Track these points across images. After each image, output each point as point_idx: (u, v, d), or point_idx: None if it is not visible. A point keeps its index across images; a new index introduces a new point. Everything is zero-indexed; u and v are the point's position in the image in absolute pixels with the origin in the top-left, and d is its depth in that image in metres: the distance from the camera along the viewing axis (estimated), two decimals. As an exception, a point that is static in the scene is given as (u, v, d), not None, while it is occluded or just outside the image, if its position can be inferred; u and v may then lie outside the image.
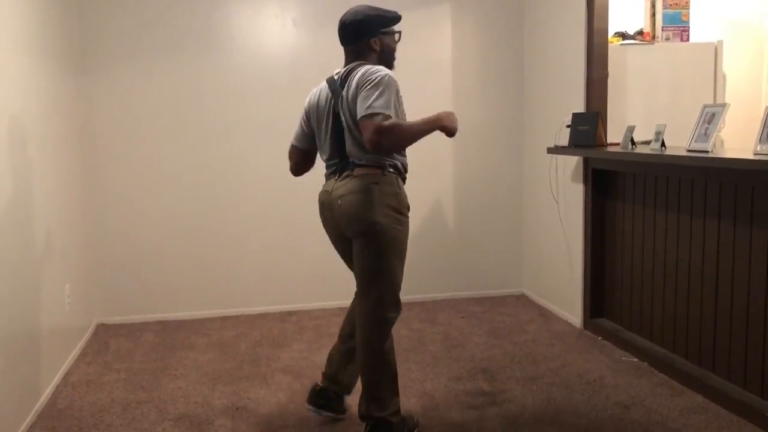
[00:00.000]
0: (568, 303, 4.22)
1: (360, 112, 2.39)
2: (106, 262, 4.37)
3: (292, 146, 2.82)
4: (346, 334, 2.83)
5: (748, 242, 2.80)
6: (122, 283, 4.41)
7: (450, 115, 2.57)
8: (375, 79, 2.42)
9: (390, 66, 2.66)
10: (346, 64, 2.66)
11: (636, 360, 3.47)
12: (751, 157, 2.57)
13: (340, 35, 2.66)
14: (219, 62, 4.40)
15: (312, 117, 2.72)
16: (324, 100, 2.64)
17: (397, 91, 2.48)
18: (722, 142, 4.16)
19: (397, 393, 2.64)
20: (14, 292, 2.82)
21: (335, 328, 4.11)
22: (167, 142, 4.39)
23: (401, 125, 2.43)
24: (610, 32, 3.95)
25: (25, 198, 3.02)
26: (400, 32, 2.71)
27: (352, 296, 4.45)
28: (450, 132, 2.55)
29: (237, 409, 3.01)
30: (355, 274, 2.67)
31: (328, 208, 2.63)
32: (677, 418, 2.81)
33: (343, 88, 2.54)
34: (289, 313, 4.51)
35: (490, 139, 4.80)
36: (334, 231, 2.67)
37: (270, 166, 4.44)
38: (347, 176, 2.56)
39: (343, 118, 2.55)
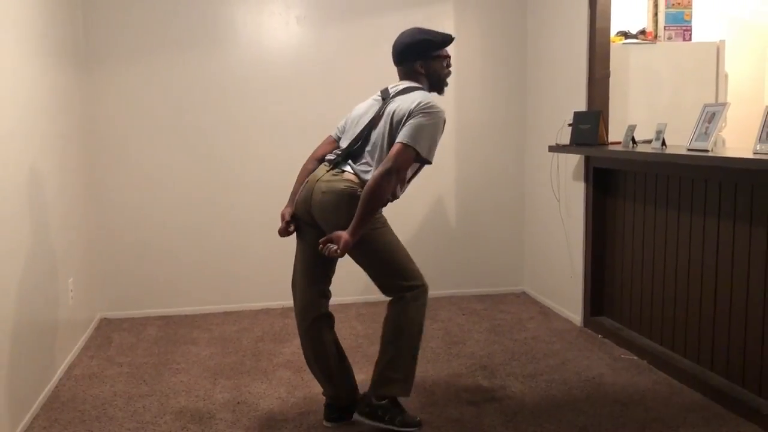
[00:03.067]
0: (569, 301, 4.24)
1: (403, 137, 2.49)
2: (110, 257, 4.40)
3: (331, 136, 2.88)
4: (326, 350, 2.80)
5: (747, 241, 2.81)
6: (125, 278, 4.44)
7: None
8: (431, 117, 2.52)
9: (439, 89, 2.77)
10: (400, 80, 2.77)
11: (635, 358, 3.49)
12: (750, 156, 2.58)
13: (394, 58, 2.77)
14: (223, 60, 4.42)
15: (351, 117, 2.79)
16: (371, 106, 2.74)
17: (442, 129, 2.60)
18: (723, 141, 4.18)
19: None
20: (20, 285, 2.85)
21: (337, 323, 4.13)
22: (171, 139, 4.41)
23: (398, 176, 2.51)
24: (613, 31, 3.96)
25: (30, 193, 3.05)
26: (449, 57, 2.77)
27: (353, 293, 4.47)
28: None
29: (238, 403, 3.03)
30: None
31: (308, 192, 2.65)
32: (676, 416, 2.82)
33: (393, 98, 2.65)
34: (291, 309, 4.47)
35: (492, 137, 4.81)
36: (304, 210, 2.68)
37: (273, 163, 4.47)
38: (337, 174, 2.62)
39: (379, 125, 2.63)
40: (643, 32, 4.20)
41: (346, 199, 2.54)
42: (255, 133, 4.50)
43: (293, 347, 3.77)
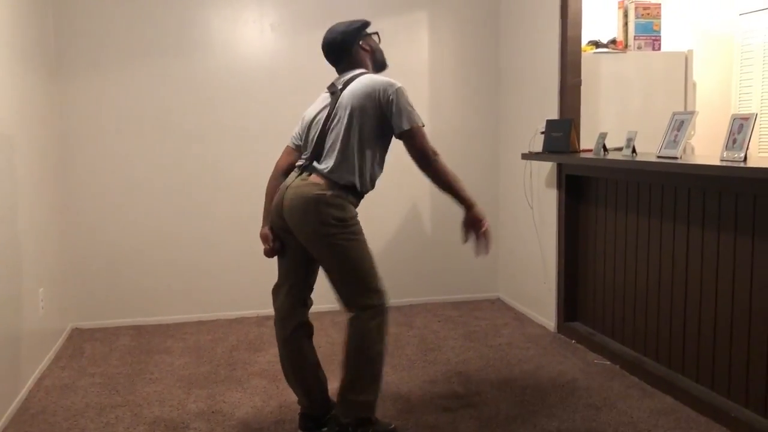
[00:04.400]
0: (543, 307, 4.28)
1: (399, 127, 2.63)
2: (81, 266, 4.35)
3: (289, 146, 2.88)
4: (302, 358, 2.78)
5: (716, 246, 2.86)
6: (97, 287, 4.38)
7: None
8: (399, 93, 2.63)
9: (385, 64, 2.86)
10: (341, 73, 2.77)
11: (608, 363, 3.53)
12: (717, 163, 2.64)
13: (330, 54, 2.77)
14: (196, 66, 4.40)
15: (305, 120, 2.79)
16: (322, 103, 2.75)
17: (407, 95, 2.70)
18: (693, 149, 4.26)
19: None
20: (-13, 295, 2.80)
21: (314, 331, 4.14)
22: (143, 146, 4.38)
23: (434, 154, 2.78)
24: (584, 41, 4.02)
25: (1, 202, 3.01)
26: (377, 33, 2.84)
27: (329, 301, 4.45)
28: None
29: (213, 412, 3.01)
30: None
31: (280, 200, 2.65)
32: (647, 419, 2.86)
33: (343, 89, 2.66)
34: (266, 318, 4.50)
35: (466, 145, 4.85)
36: (276, 220, 2.68)
37: (247, 170, 4.45)
38: (304, 179, 2.61)
39: (335, 119, 2.63)
40: (613, 41, 4.27)
41: (313, 204, 2.52)
42: (229, 140, 4.48)
43: (268, 356, 3.75)
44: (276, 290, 2.82)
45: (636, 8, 4.19)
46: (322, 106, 2.74)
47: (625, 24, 4.24)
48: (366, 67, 2.77)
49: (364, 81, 2.65)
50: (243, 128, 4.47)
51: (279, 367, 3.51)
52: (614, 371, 3.42)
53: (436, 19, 4.72)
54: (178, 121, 4.41)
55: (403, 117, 2.62)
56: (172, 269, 4.47)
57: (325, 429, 2.74)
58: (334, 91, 2.71)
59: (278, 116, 4.50)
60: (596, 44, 4.24)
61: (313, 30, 4.53)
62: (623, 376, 3.35)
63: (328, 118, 2.67)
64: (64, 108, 4.25)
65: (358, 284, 2.61)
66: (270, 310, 4.62)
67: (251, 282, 4.57)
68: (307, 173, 2.63)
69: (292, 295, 2.75)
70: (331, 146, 2.63)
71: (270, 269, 4.59)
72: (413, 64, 4.71)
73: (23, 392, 3.20)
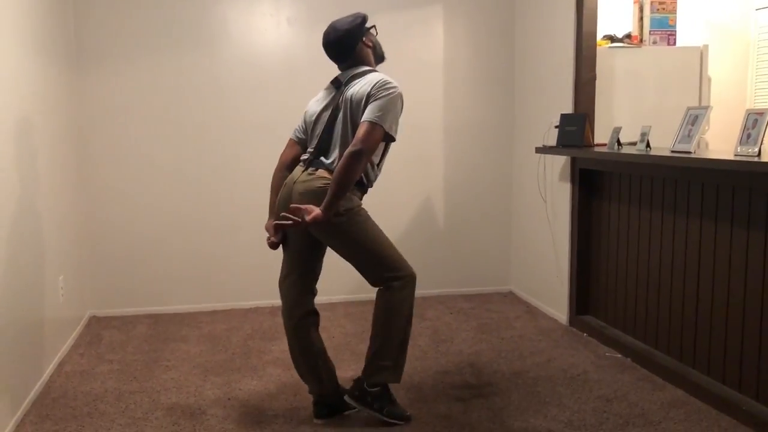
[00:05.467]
0: (555, 300, 4.30)
1: (368, 115, 2.56)
2: (99, 255, 4.42)
3: (292, 140, 2.92)
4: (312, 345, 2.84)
5: (728, 241, 2.88)
6: (115, 276, 4.45)
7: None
8: (390, 95, 2.59)
9: (383, 57, 2.89)
10: (344, 70, 2.81)
11: (619, 356, 3.55)
12: (731, 158, 2.65)
13: (334, 52, 2.78)
14: (214, 59, 4.45)
15: (308, 114, 2.84)
16: (325, 99, 2.79)
17: (401, 107, 2.68)
18: (707, 144, 4.26)
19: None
20: (11, 283, 2.87)
21: (325, 322, 4.16)
22: (160, 137, 4.44)
23: (369, 156, 2.59)
24: (599, 35, 4.03)
25: (20, 191, 3.07)
26: (374, 26, 2.88)
27: (341, 292, 4.51)
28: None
29: (228, 399, 3.07)
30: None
31: (287, 194, 2.71)
32: (658, 411, 2.89)
33: (348, 84, 2.70)
34: (280, 308, 4.55)
35: (480, 138, 4.87)
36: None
37: (262, 162, 4.47)
38: (311, 173, 2.68)
39: (340, 114, 2.69)
40: (628, 36, 4.27)
41: (322, 197, 2.56)
42: (246, 132, 4.53)
43: (283, 345, 3.79)
44: (282, 281, 2.87)
45: (651, 3, 4.19)
46: (327, 101, 2.78)
47: (641, 19, 4.24)
48: (369, 63, 2.81)
49: (369, 78, 2.68)
50: (259, 120, 4.52)
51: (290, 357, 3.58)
52: (625, 364, 3.45)
53: (451, 13, 4.73)
54: (194, 112, 4.46)
55: (376, 110, 2.56)
56: (188, 259, 4.53)
57: (346, 395, 2.80)
58: (339, 87, 2.75)
59: (294, 109, 4.51)
60: (611, 39, 4.24)
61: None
62: (634, 369, 3.37)
63: (333, 114, 2.71)
64: (83, 98, 4.31)
65: (381, 263, 2.70)
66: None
67: (266, 272, 4.59)
68: (314, 168, 2.69)
69: (299, 284, 2.81)
70: (335, 140, 2.69)
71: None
72: (428, 58, 4.73)
73: (44, 377, 3.27)
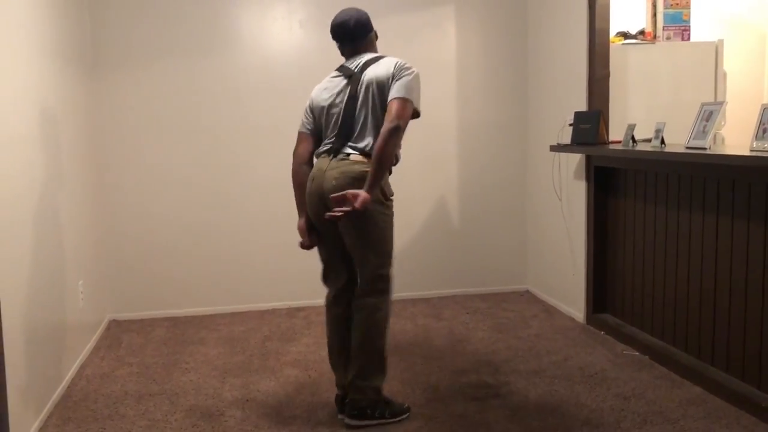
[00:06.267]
0: (572, 299, 4.29)
1: (397, 93, 2.61)
2: (118, 259, 4.47)
3: (302, 133, 2.91)
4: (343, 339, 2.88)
5: (745, 237, 2.86)
6: (133, 280, 4.50)
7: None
8: (412, 74, 2.68)
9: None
10: (350, 57, 2.84)
11: (637, 354, 3.54)
12: (747, 153, 2.63)
13: (344, 34, 2.83)
14: (227, 64, 4.49)
15: (317, 105, 2.84)
16: (336, 87, 2.79)
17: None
18: (723, 140, 4.23)
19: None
20: (32, 287, 2.91)
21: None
22: (177, 142, 4.48)
23: (404, 131, 2.64)
24: (612, 32, 4.01)
25: (41, 197, 3.11)
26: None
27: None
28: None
29: (247, 401, 3.09)
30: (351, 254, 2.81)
31: (319, 185, 2.72)
32: (676, 409, 2.87)
33: (365, 70, 2.72)
34: (298, 309, 4.59)
35: (494, 137, 4.86)
36: (319, 207, 2.74)
37: (277, 165, 4.51)
38: (342, 159, 2.69)
39: (360, 99, 2.71)
40: (642, 32, 4.25)
41: (362, 180, 2.60)
42: (260, 135, 4.56)
43: (300, 346, 3.83)
44: (325, 277, 2.93)
45: (665, -1, 4.16)
46: (339, 89, 2.78)
47: (654, 14, 4.22)
48: (376, 51, 2.87)
49: (387, 61, 2.73)
50: (272, 123, 4.55)
51: (311, 357, 3.62)
52: (643, 362, 3.43)
53: (464, 12, 4.74)
54: (210, 116, 4.50)
55: (403, 87, 2.64)
56: (206, 262, 4.57)
57: (342, 415, 2.82)
58: (351, 74, 2.77)
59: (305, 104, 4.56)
60: (625, 35, 4.23)
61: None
62: (652, 367, 3.36)
63: (352, 100, 2.73)
64: (100, 104, 4.36)
65: (383, 259, 2.75)
66: (301, 302, 4.73)
67: (283, 274, 4.66)
68: (344, 154, 2.70)
69: (342, 278, 2.87)
70: (362, 125, 2.71)
71: (301, 261, 4.68)
72: (441, 57, 4.74)
73: (66, 380, 3.32)
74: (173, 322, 4.41)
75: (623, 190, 3.79)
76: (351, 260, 2.84)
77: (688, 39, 4.21)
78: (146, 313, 4.51)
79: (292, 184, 2.88)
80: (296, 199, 2.88)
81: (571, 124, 3.96)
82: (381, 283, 2.76)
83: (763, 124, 2.68)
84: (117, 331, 4.25)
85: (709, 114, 3.03)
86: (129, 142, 4.43)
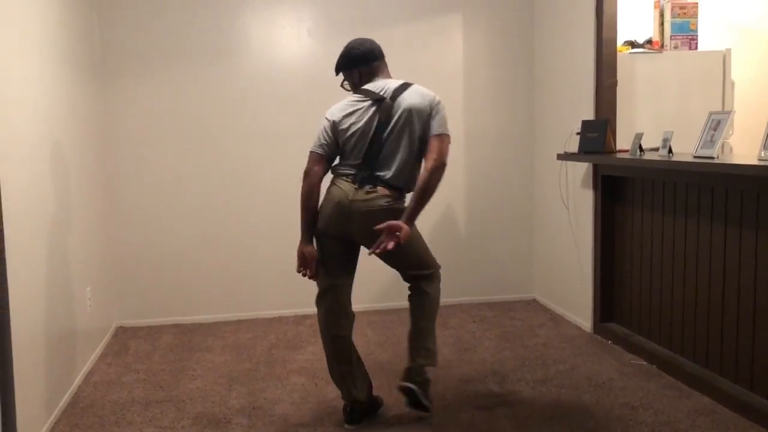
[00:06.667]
0: (579, 307, 4.28)
1: (439, 128, 2.75)
2: (126, 266, 4.49)
3: (314, 152, 2.84)
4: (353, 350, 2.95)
5: (754, 246, 2.85)
6: (141, 286, 4.51)
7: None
8: (442, 107, 2.81)
9: None
10: (368, 81, 2.85)
11: (645, 363, 3.52)
12: (755, 162, 2.63)
13: (362, 56, 2.87)
14: (235, 72, 4.51)
15: (340, 129, 2.81)
16: (363, 112, 2.79)
17: None
18: (731, 149, 4.22)
19: None
20: (40, 293, 2.93)
21: (349, 331, 4.20)
22: (185, 149, 4.50)
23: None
24: (620, 41, 4.01)
25: (49, 202, 3.13)
26: None
27: (365, 301, 4.54)
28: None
29: (253, 408, 3.09)
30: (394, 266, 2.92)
31: (345, 212, 2.74)
32: (684, 420, 2.86)
33: (398, 97, 2.75)
34: (304, 317, 4.59)
35: (501, 145, 4.87)
36: (342, 231, 2.77)
37: (285, 173, 4.54)
38: (370, 192, 2.73)
39: (394, 128, 2.74)
40: (649, 42, 4.25)
41: (388, 215, 2.69)
42: (268, 143, 4.58)
43: (307, 354, 3.83)
44: (325, 294, 2.88)
45: (672, 8, 4.16)
46: (367, 115, 2.77)
47: (662, 24, 4.22)
48: (388, 76, 2.91)
49: (418, 90, 2.78)
50: (281, 132, 4.57)
51: (318, 365, 3.61)
52: (651, 371, 3.42)
53: (471, 21, 4.75)
54: (217, 124, 4.52)
55: (443, 122, 2.77)
56: (213, 270, 4.58)
57: (409, 384, 2.82)
58: (379, 100, 2.76)
59: (315, 120, 4.55)
60: (632, 44, 4.23)
61: (349, 35, 4.54)
62: (660, 377, 3.34)
63: (383, 127, 2.74)
64: (108, 111, 4.39)
65: (424, 258, 2.94)
66: (307, 310, 4.73)
67: (289, 282, 4.63)
68: (371, 185, 2.73)
69: (345, 294, 2.89)
70: (391, 154, 2.74)
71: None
72: (447, 66, 4.75)
73: (73, 387, 3.33)
74: (180, 329, 4.41)
75: (631, 199, 3.78)
76: (352, 280, 2.90)
77: (696, 48, 4.21)
78: (153, 319, 4.52)
79: (301, 204, 2.82)
80: (303, 222, 2.82)
81: (578, 133, 3.96)
82: (432, 273, 2.95)
83: (771, 134, 2.68)
84: (124, 337, 4.26)
85: (717, 123, 3.03)
86: (137, 149, 4.45)
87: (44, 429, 2.85)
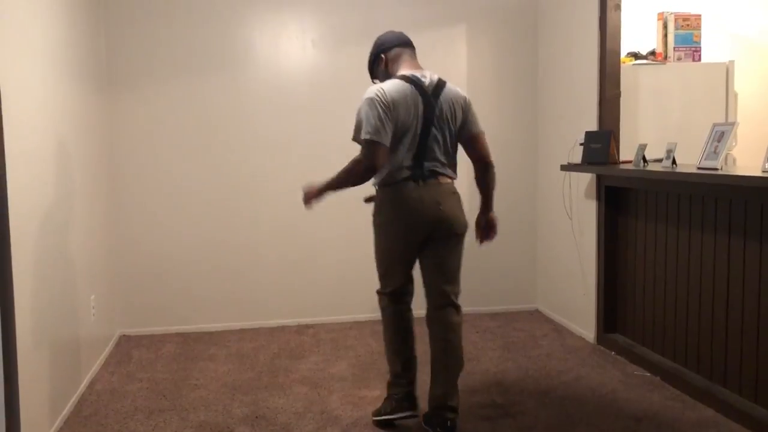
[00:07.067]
0: (582, 318, 4.27)
1: (479, 126, 2.93)
2: (129, 274, 4.49)
3: (380, 144, 2.65)
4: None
5: (758, 258, 2.85)
6: (144, 295, 4.52)
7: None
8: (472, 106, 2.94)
9: None
10: (411, 63, 2.88)
11: (648, 374, 3.51)
12: (759, 174, 2.63)
13: (408, 40, 2.96)
14: (241, 81, 4.53)
15: (400, 115, 2.68)
16: (414, 101, 2.72)
17: None
18: (734, 160, 4.22)
19: None
20: (44, 302, 2.93)
21: (351, 341, 4.22)
22: (188, 159, 4.51)
23: None
24: (623, 52, 4.03)
25: (53, 211, 3.14)
26: None
27: (367, 311, 4.53)
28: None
29: (256, 417, 3.09)
30: (434, 274, 2.88)
31: (422, 211, 2.76)
32: (688, 431, 2.85)
33: (441, 91, 2.78)
34: (307, 326, 4.59)
35: (505, 156, 4.86)
36: (419, 231, 2.79)
37: (288, 182, 4.55)
38: (436, 183, 2.78)
39: (440, 121, 2.77)
40: (653, 53, 4.27)
41: (459, 201, 2.92)
42: (271, 152, 4.59)
43: (309, 363, 3.82)
44: (402, 290, 2.96)
45: (676, 19, 4.18)
46: (415, 104, 2.71)
47: (665, 35, 4.24)
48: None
49: (454, 87, 2.86)
50: (285, 141, 4.58)
51: (320, 374, 3.61)
52: (654, 383, 3.41)
53: (475, 32, 4.77)
54: (222, 134, 4.54)
55: (478, 121, 2.93)
56: (216, 279, 4.59)
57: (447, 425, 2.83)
58: (425, 92, 2.75)
59: (319, 130, 4.60)
60: (635, 56, 4.24)
61: (354, 45, 4.64)
62: (664, 388, 3.33)
63: (429, 120, 2.74)
64: (113, 121, 4.41)
65: (458, 273, 2.98)
66: (310, 319, 4.73)
67: (292, 291, 4.67)
68: (433, 178, 2.78)
69: (409, 291, 2.99)
70: (434, 145, 2.77)
71: (310, 280, 4.68)
72: (452, 77, 4.65)
73: (76, 395, 3.33)
74: (183, 337, 4.41)
75: (634, 210, 3.79)
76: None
77: (699, 60, 4.23)
78: (156, 328, 4.53)
79: (346, 177, 2.78)
80: (334, 187, 2.84)
81: (581, 144, 3.97)
82: (459, 293, 2.96)
83: (775, 145, 2.68)
84: (127, 346, 4.26)
85: (720, 134, 3.03)
86: (141, 158, 4.47)
87: (47, 437, 2.85)
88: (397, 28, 4.70)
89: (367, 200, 2.95)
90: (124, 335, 4.48)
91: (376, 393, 3.30)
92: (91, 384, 3.56)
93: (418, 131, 2.73)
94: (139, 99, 4.44)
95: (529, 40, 4.83)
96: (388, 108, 2.66)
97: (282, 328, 4.58)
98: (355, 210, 4.61)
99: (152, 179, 4.49)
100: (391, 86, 2.71)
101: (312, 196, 2.89)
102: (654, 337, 3.64)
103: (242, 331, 4.54)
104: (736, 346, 3.01)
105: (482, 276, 4.91)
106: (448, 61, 4.75)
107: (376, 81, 2.92)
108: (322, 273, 4.69)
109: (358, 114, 2.73)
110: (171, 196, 4.52)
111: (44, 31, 3.12)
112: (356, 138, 2.76)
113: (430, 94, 2.76)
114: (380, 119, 2.64)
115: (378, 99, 2.66)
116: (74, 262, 3.44)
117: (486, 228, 3.08)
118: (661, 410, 3.07)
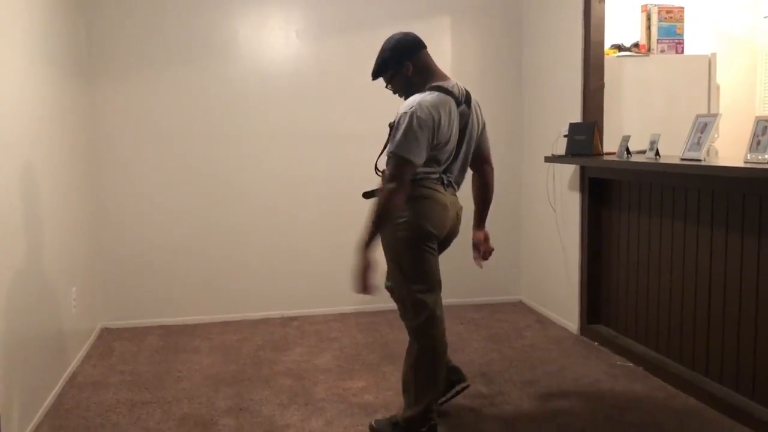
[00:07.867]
0: (565, 309, 4.29)
1: (489, 147, 2.94)
2: (111, 266, 4.44)
3: (415, 165, 2.52)
4: None
5: (739, 248, 2.87)
6: (126, 287, 4.47)
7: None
8: None
9: None
10: (442, 75, 2.73)
11: (631, 365, 3.54)
12: (741, 165, 2.65)
13: (423, 42, 2.89)
14: (224, 71, 4.49)
15: (443, 134, 2.58)
16: (453, 115, 2.62)
17: None
18: (716, 152, 4.25)
19: None
20: (24, 294, 2.89)
21: (336, 333, 4.21)
22: (172, 149, 4.47)
23: None
24: (607, 44, 4.04)
25: (34, 202, 3.10)
26: None
27: (352, 303, 4.53)
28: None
29: (240, 409, 3.07)
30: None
31: (450, 216, 2.77)
32: (671, 421, 2.88)
33: (469, 104, 2.74)
34: (291, 318, 4.57)
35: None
36: (440, 234, 2.78)
37: (272, 174, 4.53)
38: (454, 195, 2.81)
39: (471, 135, 2.77)
40: (636, 45, 4.28)
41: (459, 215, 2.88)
42: (255, 144, 4.55)
43: (293, 355, 3.81)
44: (438, 297, 2.90)
45: (659, 12, 4.20)
46: (456, 116, 2.63)
47: (648, 27, 4.25)
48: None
49: (475, 99, 2.80)
50: (268, 133, 4.55)
51: (304, 366, 3.60)
52: (638, 373, 3.43)
53: (459, 24, 4.76)
54: (205, 125, 4.50)
55: (487, 136, 2.93)
56: (199, 271, 4.55)
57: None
58: (463, 109, 2.67)
59: (303, 121, 4.57)
60: (619, 48, 4.26)
61: (338, 37, 4.62)
62: (647, 378, 3.36)
63: (463, 132, 2.71)
64: (96, 111, 4.35)
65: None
66: (294, 312, 4.72)
67: (276, 283, 4.64)
68: (453, 190, 2.79)
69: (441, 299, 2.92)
70: (461, 158, 2.75)
71: (294, 272, 4.67)
72: (436, 69, 4.74)
73: (57, 388, 3.29)
74: (166, 330, 4.38)
75: (617, 201, 3.80)
76: None
77: (682, 52, 4.25)
78: (139, 321, 4.48)
79: (384, 213, 2.52)
80: (377, 232, 2.56)
81: (565, 136, 3.98)
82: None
83: (757, 137, 2.70)
84: (109, 338, 4.22)
85: (703, 126, 3.05)
86: (123, 150, 4.41)
87: (28, 430, 2.80)
88: (380, 20, 4.72)
89: (367, 196, 2.73)
90: (105, 328, 4.43)
91: (361, 384, 3.30)
92: (73, 377, 3.52)
93: (453, 147, 2.68)
94: (120, 90, 4.38)
95: (513, 31, 4.82)
96: (433, 129, 2.53)
97: (266, 320, 4.55)
98: (339, 201, 4.61)
99: (134, 171, 4.44)
100: (436, 102, 2.56)
101: (365, 269, 2.57)
102: (637, 328, 3.67)
103: (226, 323, 4.52)
104: (718, 336, 3.03)
105: (466, 268, 4.89)
106: (431, 53, 4.70)
107: (390, 87, 2.78)
108: (306, 265, 4.66)
109: (399, 125, 2.51)
110: (153, 188, 4.47)
111: (22, 20, 3.06)
112: (393, 151, 2.52)
113: (465, 108, 2.68)
114: (424, 139, 2.51)
115: (425, 119, 2.50)
116: (55, 255, 3.39)
117: (486, 243, 3.12)
118: (645, 400, 3.10)
